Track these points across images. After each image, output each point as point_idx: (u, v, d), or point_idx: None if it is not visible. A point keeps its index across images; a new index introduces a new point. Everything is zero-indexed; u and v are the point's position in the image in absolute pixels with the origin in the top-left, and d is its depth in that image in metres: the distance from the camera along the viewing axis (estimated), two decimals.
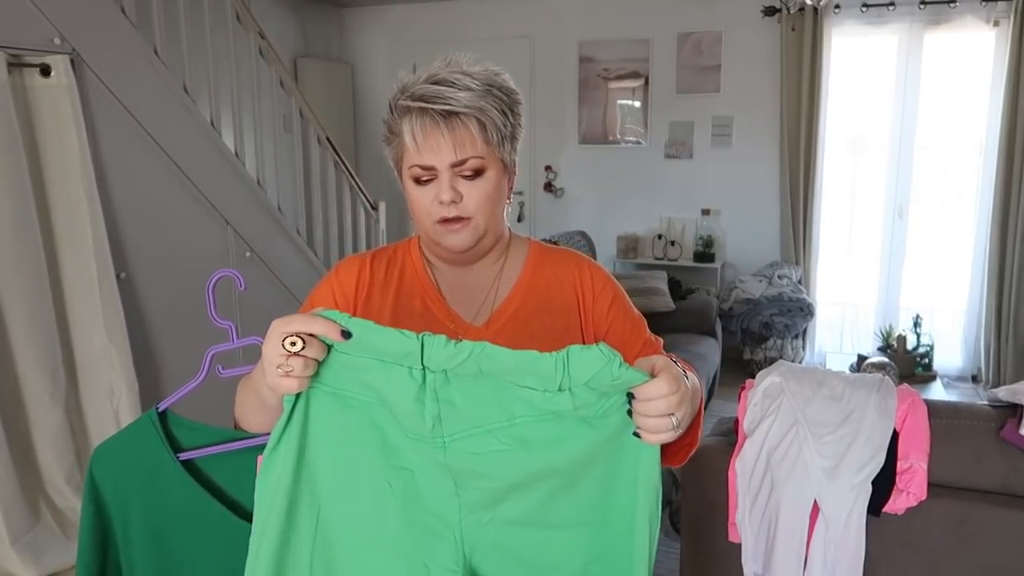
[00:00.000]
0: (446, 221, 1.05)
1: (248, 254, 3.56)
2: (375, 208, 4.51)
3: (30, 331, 2.63)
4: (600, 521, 0.86)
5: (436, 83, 1.01)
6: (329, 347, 0.81)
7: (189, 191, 3.25)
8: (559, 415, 0.80)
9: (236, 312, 3.23)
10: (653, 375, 0.78)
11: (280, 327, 0.79)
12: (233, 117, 3.54)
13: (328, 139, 4.07)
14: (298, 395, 0.83)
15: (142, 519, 1.03)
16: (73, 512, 2.76)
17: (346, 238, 4.33)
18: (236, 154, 3.49)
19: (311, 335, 0.78)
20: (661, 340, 1.17)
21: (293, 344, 0.77)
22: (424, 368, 0.80)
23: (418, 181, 1.05)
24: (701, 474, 1.96)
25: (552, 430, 0.81)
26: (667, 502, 2.68)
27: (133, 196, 3.01)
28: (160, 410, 1.06)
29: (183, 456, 1.04)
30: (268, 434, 0.86)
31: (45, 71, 2.62)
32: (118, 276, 2.87)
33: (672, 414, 0.78)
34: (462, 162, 1.02)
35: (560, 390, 0.78)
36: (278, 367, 0.78)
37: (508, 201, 1.13)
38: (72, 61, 2.68)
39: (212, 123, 3.33)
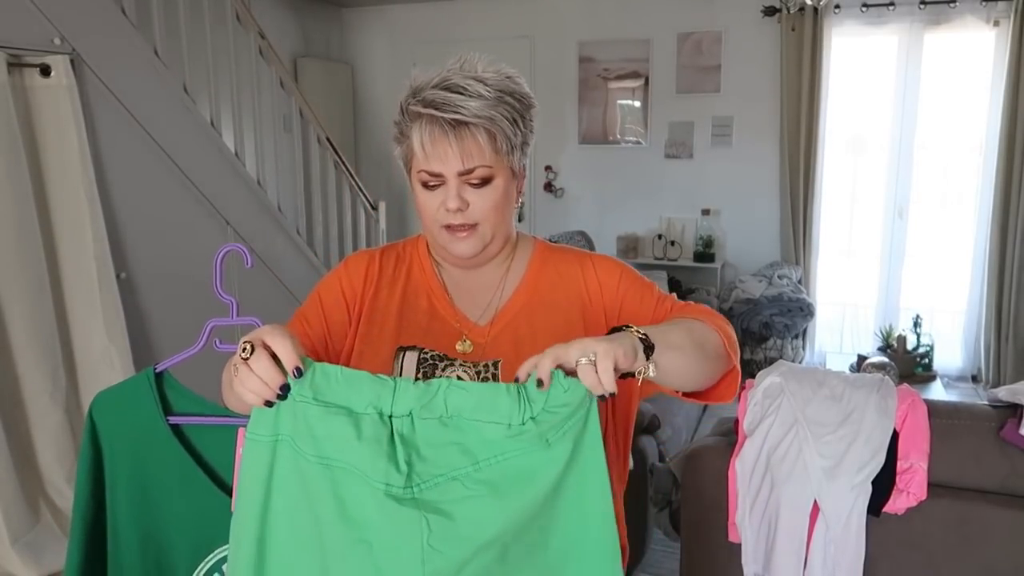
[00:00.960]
0: (452, 228, 1.06)
1: None
2: (375, 208, 4.51)
3: (30, 331, 2.63)
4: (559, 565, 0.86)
5: (447, 89, 1.00)
6: (291, 389, 0.80)
7: (189, 191, 3.25)
8: (524, 451, 0.81)
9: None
10: (569, 373, 0.82)
11: (256, 332, 0.81)
12: (233, 117, 3.54)
13: (328, 139, 4.07)
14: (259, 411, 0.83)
15: (129, 470, 1.07)
16: None
17: (346, 238, 4.34)
18: (236, 154, 3.49)
19: (272, 353, 0.79)
20: (673, 295, 1.17)
21: (244, 350, 0.79)
22: (391, 416, 0.81)
23: (426, 186, 1.05)
24: (701, 474, 1.96)
25: (517, 468, 0.81)
26: (667, 502, 2.68)
27: (133, 196, 3.01)
28: (157, 371, 1.08)
29: (172, 420, 1.07)
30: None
31: (45, 71, 2.61)
32: (118, 276, 2.87)
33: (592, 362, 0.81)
34: (469, 171, 1.02)
35: (523, 424, 0.80)
36: (233, 363, 0.82)
37: (517, 204, 1.14)
38: (72, 61, 2.67)
39: (212, 123, 3.33)
